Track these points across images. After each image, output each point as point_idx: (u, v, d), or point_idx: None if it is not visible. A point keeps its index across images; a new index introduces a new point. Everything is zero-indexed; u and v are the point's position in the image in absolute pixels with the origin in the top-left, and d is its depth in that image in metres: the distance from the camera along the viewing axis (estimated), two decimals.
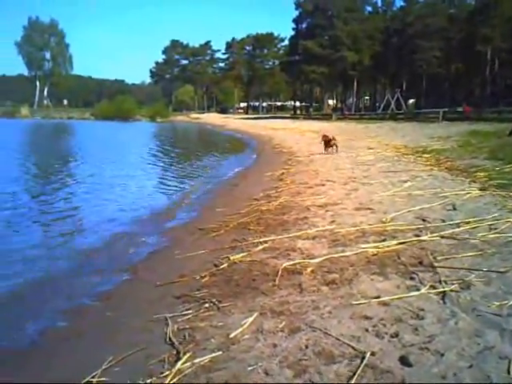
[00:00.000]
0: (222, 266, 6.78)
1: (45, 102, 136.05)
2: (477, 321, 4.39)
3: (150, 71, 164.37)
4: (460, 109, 59.02)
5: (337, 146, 22.86)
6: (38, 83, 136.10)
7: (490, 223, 7.75)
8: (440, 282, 5.37)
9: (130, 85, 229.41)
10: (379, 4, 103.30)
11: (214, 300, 5.50)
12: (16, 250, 8.61)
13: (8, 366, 4.68)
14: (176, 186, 16.82)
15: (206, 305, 5.42)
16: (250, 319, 4.81)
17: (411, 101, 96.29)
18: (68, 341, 5.10)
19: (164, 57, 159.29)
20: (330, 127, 50.12)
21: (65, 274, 7.46)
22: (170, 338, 4.70)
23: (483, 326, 4.29)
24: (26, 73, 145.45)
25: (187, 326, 4.91)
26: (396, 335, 4.23)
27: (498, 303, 4.70)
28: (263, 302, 5.30)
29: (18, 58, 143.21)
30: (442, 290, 5.13)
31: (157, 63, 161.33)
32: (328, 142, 22.93)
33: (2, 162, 22.92)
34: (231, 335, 4.54)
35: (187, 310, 5.37)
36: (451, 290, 5.09)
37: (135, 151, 31.12)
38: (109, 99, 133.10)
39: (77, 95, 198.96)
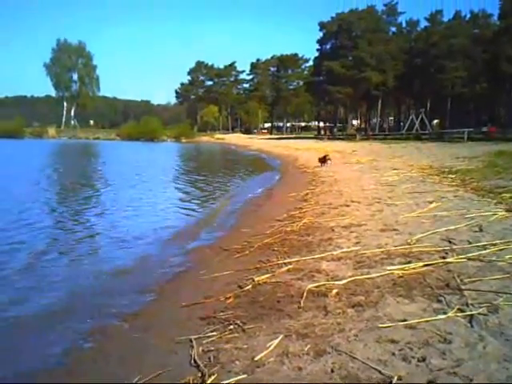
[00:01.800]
0: (246, 288, 6.76)
1: (72, 122, 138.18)
2: (505, 345, 4.32)
3: (176, 92, 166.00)
4: (485, 129, 58.59)
5: (330, 160, 28.26)
6: (65, 104, 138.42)
7: None
8: (467, 305, 5.30)
9: (156, 105, 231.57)
10: (403, 25, 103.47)
11: (238, 322, 5.49)
12: (43, 269, 8.72)
13: None
14: (200, 207, 16.91)
15: (231, 326, 5.41)
16: (275, 342, 4.79)
17: (436, 121, 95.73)
18: (94, 362, 5.12)
19: (189, 78, 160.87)
20: (355, 147, 50.11)
21: (91, 294, 7.50)
22: (195, 360, 4.69)
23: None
24: (53, 94, 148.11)
25: (212, 348, 4.90)
26: (423, 359, 4.17)
27: None
28: (288, 324, 5.28)
29: (46, 79, 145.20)
30: (469, 313, 5.06)
31: (182, 84, 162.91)
32: (323, 159, 28.22)
33: (31, 183, 23.19)
34: (256, 358, 4.52)
35: (212, 331, 5.36)
36: (479, 314, 5.02)
37: (161, 171, 31.30)
38: (135, 120, 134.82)
39: (103, 116, 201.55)
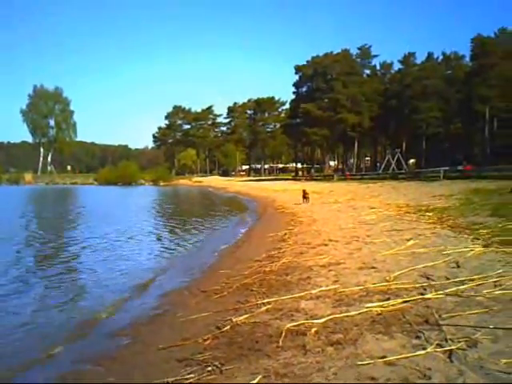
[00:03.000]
0: (224, 329, 6.69)
1: (48, 168, 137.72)
2: (485, 379, 4.30)
3: (153, 136, 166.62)
4: (460, 167, 59.39)
5: (309, 198, 31.24)
6: (41, 150, 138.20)
7: (494, 280, 7.68)
8: (446, 340, 5.28)
9: (134, 150, 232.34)
10: (377, 67, 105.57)
11: (216, 363, 5.42)
12: (13, 314, 8.57)
13: None
14: (178, 249, 16.75)
15: (209, 368, 5.33)
16: (254, 382, 4.72)
17: (412, 160, 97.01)
18: None
19: (167, 122, 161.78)
20: (332, 187, 50.45)
21: (65, 338, 7.35)
22: None
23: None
24: (30, 140, 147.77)
25: None
26: None
27: (505, 360, 4.62)
28: (267, 364, 5.21)
29: (22, 126, 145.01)
30: (448, 348, 5.05)
31: (159, 128, 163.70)
32: (305, 196, 31.28)
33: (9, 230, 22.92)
34: None
35: (189, 373, 5.27)
36: (458, 348, 5.01)
37: (138, 215, 31.08)
38: (112, 164, 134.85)
39: (80, 161, 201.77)
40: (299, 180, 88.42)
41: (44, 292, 10.57)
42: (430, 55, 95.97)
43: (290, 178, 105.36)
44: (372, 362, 4.89)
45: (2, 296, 9.95)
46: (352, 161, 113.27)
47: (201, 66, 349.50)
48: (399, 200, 28.09)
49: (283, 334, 5.99)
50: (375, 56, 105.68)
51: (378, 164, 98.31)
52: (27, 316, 8.57)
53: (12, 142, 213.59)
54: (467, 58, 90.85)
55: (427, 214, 19.33)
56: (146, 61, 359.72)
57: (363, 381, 4.50)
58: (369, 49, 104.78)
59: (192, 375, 5.21)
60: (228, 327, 6.72)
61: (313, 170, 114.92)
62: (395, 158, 78.31)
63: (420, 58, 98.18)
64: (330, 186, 56.29)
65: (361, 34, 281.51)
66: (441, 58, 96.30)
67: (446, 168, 57.92)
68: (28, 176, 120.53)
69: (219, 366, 5.34)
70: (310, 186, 46.50)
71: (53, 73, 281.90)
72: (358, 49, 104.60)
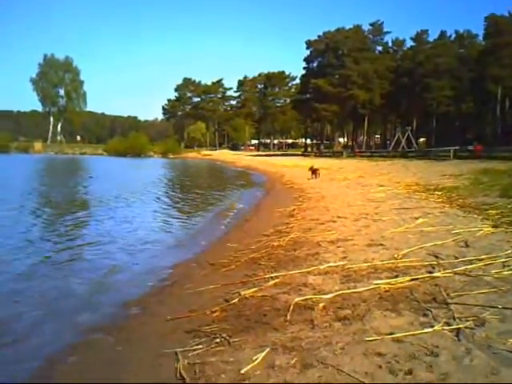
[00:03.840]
0: (232, 301, 6.72)
1: (58, 137, 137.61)
2: (492, 358, 4.31)
3: (163, 108, 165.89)
4: (471, 147, 59.01)
5: (319, 174, 31.11)
6: (51, 119, 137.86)
7: (503, 260, 7.67)
8: (454, 318, 5.29)
9: (143, 121, 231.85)
10: (389, 44, 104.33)
11: (224, 335, 5.45)
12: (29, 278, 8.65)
13: None
14: (187, 222, 16.79)
15: (217, 340, 5.37)
16: (262, 355, 4.76)
17: (422, 139, 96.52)
18: (78, 374, 5.04)
19: (176, 94, 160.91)
20: (341, 164, 50.31)
21: (75, 307, 7.41)
22: (180, 373, 4.65)
23: (499, 363, 4.21)
24: (39, 109, 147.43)
25: (198, 361, 4.86)
26: (410, 372, 4.16)
27: None
28: (275, 337, 5.25)
29: (32, 94, 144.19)
30: (456, 326, 5.06)
31: (169, 100, 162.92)
32: (314, 171, 31.16)
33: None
34: (242, 371, 4.49)
35: (198, 344, 5.31)
36: (466, 327, 5.02)
37: (149, 187, 31.04)
38: (122, 135, 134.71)
39: (90, 131, 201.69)
40: (308, 156, 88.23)
41: (54, 258, 10.66)
42: (442, 33, 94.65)
43: (299, 153, 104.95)
44: (379, 338, 4.92)
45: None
46: (362, 138, 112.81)
47: (212, 42, 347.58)
48: (408, 178, 28.05)
49: (291, 308, 6.03)
50: (387, 32, 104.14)
51: (388, 142, 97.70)
52: (38, 286, 8.65)
53: (22, 110, 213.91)
54: (480, 37, 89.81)
55: (436, 192, 19.28)
56: (158, 36, 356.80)
57: (370, 356, 4.53)
58: (381, 25, 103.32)
59: (200, 346, 5.25)
60: (236, 300, 6.75)
61: (322, 147, 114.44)
62: (405, 136, 77.78)
63: (433, 36, 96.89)
64: (339, 162, 56.14)
65: (373, 10, 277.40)
66: (454, 36, 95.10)
67: (457, 147, 57.58)
68: (37, 145, 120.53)
69: (227, 337, 5.37)
70: (319, 162, 46.30)
71: (63, 42, 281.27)
72: (370, 25, 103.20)
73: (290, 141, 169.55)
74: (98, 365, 5.28)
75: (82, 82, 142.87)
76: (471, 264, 7.57)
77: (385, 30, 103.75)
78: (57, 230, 14.85)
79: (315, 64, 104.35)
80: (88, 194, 26.15)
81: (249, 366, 4.54)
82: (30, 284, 8.59)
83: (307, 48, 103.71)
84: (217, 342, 5.30)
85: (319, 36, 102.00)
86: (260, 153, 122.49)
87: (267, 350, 4.87)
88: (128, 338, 5.95)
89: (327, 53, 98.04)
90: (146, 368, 4.97)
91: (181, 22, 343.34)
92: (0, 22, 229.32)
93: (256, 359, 4.67)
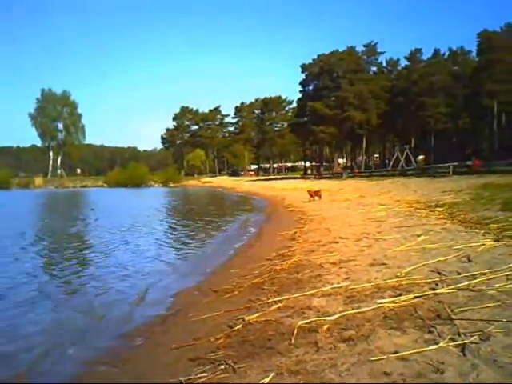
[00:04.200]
0: (236, 327, 6.70)
1: (58, 171, 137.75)
2: (498, 372, 4.29)
3: (162, 137, 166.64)
4: (469, 162, 59.06)
5: (320, 196, 31.63)
6: (51, 153, 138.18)
7: (506, 273, 7.63)
8: (459, 334, 5.26)
9: (142, 151, 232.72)
10: (384, 64, 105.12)
11: (229, 361, 5.43)
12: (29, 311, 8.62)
13: None
14: (189, 248, 16.78)
15: (222, 366, 5.35)
16: (267, 380, 4.73)
17: (420, 157, 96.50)
18: None
19: (174, 123, 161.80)
20: (341, 185, 50.37)
21: (79, 338, 7.39)
22: None
23: (505, 377, 4.18)
24: (39, 143, 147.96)
25: None
26: None
27: None
28: (279, 361, 5.22)
29: (31, 129, 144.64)
30: (461, 342, 5.03)
31: (167, 129, 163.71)
32: (316, 193, 31.87)
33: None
34: None
35: (202, 372, 5.29)
36: (471, 342, 4.99)
37: (151, 217, 31.03)
38: (121, 166, 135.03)
39: (90, 164, 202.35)
40: (308, 178, 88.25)
41: (53, 288, 10.66)
42: (436, 51, 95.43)
43: (299, 176, 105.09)
44: (385, 357, 4.88)
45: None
46: (361, 158, 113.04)
47: (206, 66, 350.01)
48: (409, 196, 28.03)
49: (295, 332, 5.99)
50: (381, 53, 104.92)
51: (387, 161, 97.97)
52: (40, 315, 8.62)
53: (21, 146, 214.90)
54: (474, 54, 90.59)
55: (437, 209, 19.26)
56: (151, 63, 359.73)
57: (376, 376, 4.50)
58: (375, 46, 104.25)
59: (205, 374, 5.23)
60: (240, 326, 6.73)
61: (322, 168, 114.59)
62: (404, 155, 77.95)
63: (426, 55, 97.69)
64: (339, 183, 56.23)
65: (367, 32, 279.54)
66: (447, 53, 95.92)
67: (455, 163, 57.63)
68: (38, 180, 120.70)
69: (232, 364, 5.35)
70: (319, 184, 46.47)
71: (59, 76, 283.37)
72: (364, 46, 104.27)
73: (289, 164, 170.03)
74: None
75: (80, 115, 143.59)
76: (474, 279, 7.54)
77: (379, 50, 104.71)
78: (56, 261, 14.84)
79: (311, 87, 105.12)
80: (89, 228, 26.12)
81: None
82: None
83: (302, 72, 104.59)
84: (221, 369, 5.28)
85: (314, 59, 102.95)
86: (260, 177, 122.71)
87: (272, 374, 4.84)
88: (132, 370, 5.92)
89: (322, 75, 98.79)
90: None
91: (178, 50, 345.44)
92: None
93: None
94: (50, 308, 9.38)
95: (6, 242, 18.66)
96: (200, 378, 5.15)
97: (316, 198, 31.50)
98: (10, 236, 20.58)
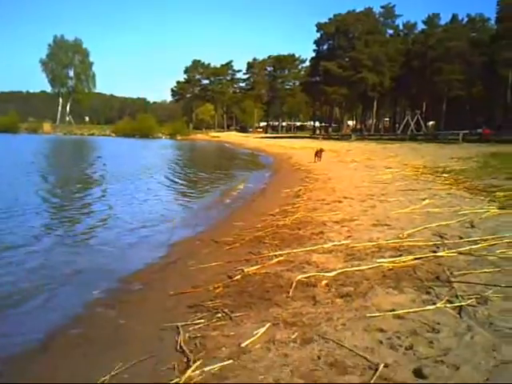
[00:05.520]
0: (235, 278, 6.73)
1: (67, 118, 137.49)
2: (494, 335, 4.28)
3: (172, 90, 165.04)
4: (480, 130, 58.62)
5: (321, 157, 30.59)
6: (60, 100, 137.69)
7: (508, 241, 7.59)
8: (457, 296, 5.26)
9: (152, 103, 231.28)
10: (400, 27, 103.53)
11: (226, 310, 5.46)
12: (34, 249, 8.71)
13: (17, 369, 4.69)
14: (193, 200, 16.83)
15: (219, 315, 5.38)
16: (262, 329, 4.76)
17: (431, 122, 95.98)
18: (78, 346, 5.07)
19: (185, 76, 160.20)
20: (350, 147, 50.18)
21: (78, 281, 7.48)
22: (180, 346, 4.66)
23: (500, 340, 4.18)
24: (49, 89, 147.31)
25: (199, 335, 4.87)
26: (411, 348, 4.14)
27: None
28: (276, 312, 5.25)
29: (41, 75, 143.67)
30: (458, 304, 5.03)
31: (178, 82, 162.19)
32: (318, 153, 30.76)
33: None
34: (243, 344, 4.49)
35: (199, 319, 5.33)
36: (468, 305, 4.98)
37: (159, 168, 31.04)
38: (130, 117, 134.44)
39: (99, 112, 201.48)
40: (316, 138, 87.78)
41: (63, 230, 10.76)
42: (454, 17, 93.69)
43: (308, 136, 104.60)
44: (381, 314, 4.89)
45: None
46: (371, 121, 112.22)
47: (221, 23, 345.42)
48: (416, 161, 27.89)
49: (293, 285, 6.02)
50: (399, 16, 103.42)
51: (397, 125, 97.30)
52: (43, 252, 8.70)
53: (31, 91, 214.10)
54: (492, 21, 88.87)
55: (444, 175, 19.19)
56: (168, 17, 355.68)
57: (371, 332, 4.51)
58: (392, 8, 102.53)
59: (202, 320, 5.27)
60: (239, 277, 6.76)
61: (330, 129, 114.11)
62: (414, 120, 77.41)
63: (444, 20, 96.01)
64: (347, 145, 55.99)
65: None
66: (466, 20, 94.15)
67: (466, 131, 57.20)
68: (46, 125, 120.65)
69: (229, 312, 5.38)
70: (328, 145, 46.24)
71: (73, 23, 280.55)
72: (382, 7, 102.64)
73: (298, 123, 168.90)
74: (101, 337, 5.30)
75: (91, 64, 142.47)
76: (476, 244, 7.52)
77: (396, 13, 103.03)
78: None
79: (325, 47, 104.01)
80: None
81: (249, 340, 4.53)
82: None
83: (317, 31, 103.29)
84: (218, 317, 5.31)
85: (330, 19, 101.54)
86: (268, 135, 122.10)
87: (268, 324, 4.86)
88: (129, 313, 5.97)
89: (337, 36, 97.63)
90: (147, 341, 4.98)
91: (191, 3, 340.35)
92: (11, 3, 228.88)
93: (256, 334, 4.67)
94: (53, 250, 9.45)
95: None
96: (196, 324, 5.18)
97: (316, 159, 30.64)
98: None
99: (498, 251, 7.00)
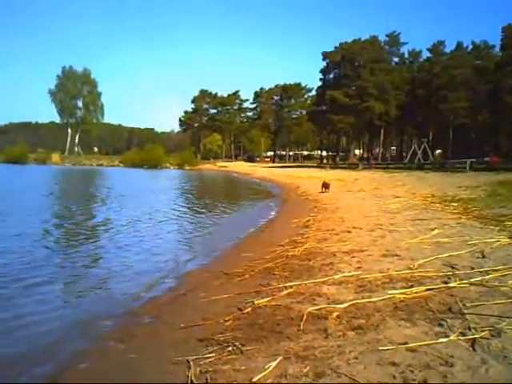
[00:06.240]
0: (246, 310, 6.71)
1: (75, 149, 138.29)
2: (508, 368, 4.24)
3: (179, 120, 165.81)
4: (487, 159, 58.57)
5: (329, 188, 29.92)
6: (69, 131, 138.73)
7: None
8: (469, 328, 5.22)
9: (160, 133, 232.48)
10: (406, 55, 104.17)
11: (237, 343, 5.43)
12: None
13: None
14: (202, 232, 16.80)
15: (229, 348, 5.35)
16: (274, 363, 4.72)
17: (438, 151, 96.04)
18: (88, 381, 5.03)
19: (193, 106, 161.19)
20: (357, 176, 50.12)
21: (89, 315, 7.43)
22: (191, 381, 4.63)
23: None
24: (58, 120, 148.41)
25: (210, 369, 4.84)
26: (424, 382, 4.10)
27: None
28: (287, 346, 5.21)
29: (50, 106, 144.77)
30: (471, 336, 4.99)
31: (186, 112, 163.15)
32: (326, 184, 30.25)
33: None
34: (254, 379, 4.46)
35: (210, 352, 5.29)
36: (481, 337, 4.94)
37: (166, 200, 31.06)
38: (138, 147, 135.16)
39: (107, 143, 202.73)
40: (324, 168, 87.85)
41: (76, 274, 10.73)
42: (459, 44, 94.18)
43: (315, 165, 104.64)
44: (393, 347, 4.86)
45: None
46: (377, 150, 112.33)
47: (227, 52, 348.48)
48: (424, 190, 27.84)
49: (304, 318, 6.00)
50: (404, 43, 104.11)
51: (404, 154, 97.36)
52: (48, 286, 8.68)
53: (40, 122, 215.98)
54: (497, 48, 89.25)
55: (452, 204, 19.14)
56: (173, 45, 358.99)
57: (384, 366, 4.47)
58: (397, 36, 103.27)
59: (212, 354, 5.23)
60: (249, 309, 6.74)
61: (338, 158, 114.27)
62: (421, 148, 77.42)
63: (449, 47, 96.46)
64: (354, 174, 55.96)
65: (389, 22, 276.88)
66: (470, 47, 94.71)
67: (473, 159, 57.18)
68: (55, 156, 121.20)
69: (240, 346, 5.35)
70: (335, 174, 46.36)
71: (79, 54, 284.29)
72: (387, 36, 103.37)
73: (305, 152, 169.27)
74: (111, 371, 5.27)
75: (99, 94, 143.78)
76: (488, 274, 7.48)
77: (401, 40, 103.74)
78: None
79: (331, 75, 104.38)
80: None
81: (261, 375, 4.51)
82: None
83: (323, 59, 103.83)
84: (229, 351, 5.28)
85: (335, 47, 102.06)
86: (275, 164, 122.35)
87: (280, 358, 4.83)
88: (140, 346, 5.93)
89: (343, 64, 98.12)
90: (158, 375, 4.95)
91: (198, 33, 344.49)
92: (19, 36, 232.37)
93: (268, 367, 4.64)
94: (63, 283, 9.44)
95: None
96: (207, 358, 5.15)
97: (324, 189, 30.35)
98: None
99: (510, 282, 6.96)
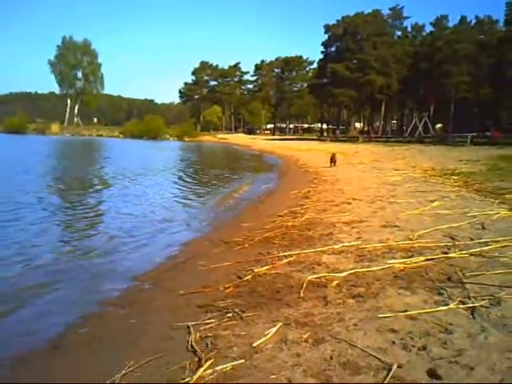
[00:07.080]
0: (245, 278, 6.72)
1: (75, 119, 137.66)
2: (508, 336, 4.25)
3: (179, 91, 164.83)
4: (488, 133, 58.39)
5: (335, 162, 28.40)
6: (68, 101, 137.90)
7: None
8: (469, 297, 5.23)
9: (160, 104, 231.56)
10: (408, 29, 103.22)
11: (237, 310, 5.45)
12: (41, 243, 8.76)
13: (30, 367, 4.68)
14: (202, 202, 16.81)
15: (229, 314, 5.37)
16: (274, 329, 4.74)
17: (439, 125, 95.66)
18: (88, 345, 5.05)
19: (193, 77, 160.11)
20: (357, 149, 50.05)
21: (89, 279, 7.47)
22: (191, 346, 4.65)
23: None
24: (57, 91, 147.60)
25: (210, 335, 4.86)
26: (424, 348, 4.12)
27: None
28: (287, 313, 5.23)
29: (50, 76, 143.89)
30: (471, 305, 5.00)
31: (186, 84, 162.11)
32: (333, 158, 28.61)
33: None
34: (254, 344, 4.47)
35: (210, 319, 5.31)
36: (481, 306, 4.96)
37: (166, 169, 31.05)
38: (138, 118, 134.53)
39: (107, 114, 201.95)
40: (324, 140, 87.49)
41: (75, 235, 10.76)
42: (462, 19, 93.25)
43: (315, 138, 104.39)
44: (393, 315, 4.87)
45: None
46: (378, 123, 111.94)
47: (229, 23, 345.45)
48: (425, 163, 27.83)
49: (304, 286, 6.01)
50: (407, 17, 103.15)
51: (405, 127, 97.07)
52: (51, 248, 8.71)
53: (39, 92, 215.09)
54: (501, 23, 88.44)
55: (453, 177, 19.13)
56: (176, 19, 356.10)
57: (384, 332, 4.49)
58: (401, 10, 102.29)
59: (212, 320, 5.25)
60: (249, 277, 6.75)
61: (338, 131, 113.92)
62: (422, 122, 77.19)
63: (453, 22, 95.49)
64: (354, 147, 55.87)
65: None
66: (474, 21, 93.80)
67: (474, 134, 56.99)
68: (54, 127, 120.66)
69: (240, 312, 5.37)
70: (335, 147, 46.10)
71: (81, 23, 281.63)
72: (390, 9, 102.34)
73: (305, 125, 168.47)
74: (111, 337, 5.29)
75: (99, 65, 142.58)
76: (487, 245, 7.49)
77: (404, 14, 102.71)
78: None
79: (333, 49, 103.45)
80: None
81: (261, 340, 4.52)
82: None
83: (325, 32, 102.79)
84: (229, 317, 5.30)
85: (338, 20, 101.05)
86: (276, 137, 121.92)
87: (279, 324, 4.85)
88: (139, 312, 5.95)
89: (345, 37, 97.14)
90: (158, 341, 4.96)
91: (199, 4, 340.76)
92: (21, 4, 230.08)
93: (268, 333, 4.66)
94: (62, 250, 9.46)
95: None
96: (207, 323, 5.17)
97: (331, 164, 28.78)
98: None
99: (510, 252, 6.96)
